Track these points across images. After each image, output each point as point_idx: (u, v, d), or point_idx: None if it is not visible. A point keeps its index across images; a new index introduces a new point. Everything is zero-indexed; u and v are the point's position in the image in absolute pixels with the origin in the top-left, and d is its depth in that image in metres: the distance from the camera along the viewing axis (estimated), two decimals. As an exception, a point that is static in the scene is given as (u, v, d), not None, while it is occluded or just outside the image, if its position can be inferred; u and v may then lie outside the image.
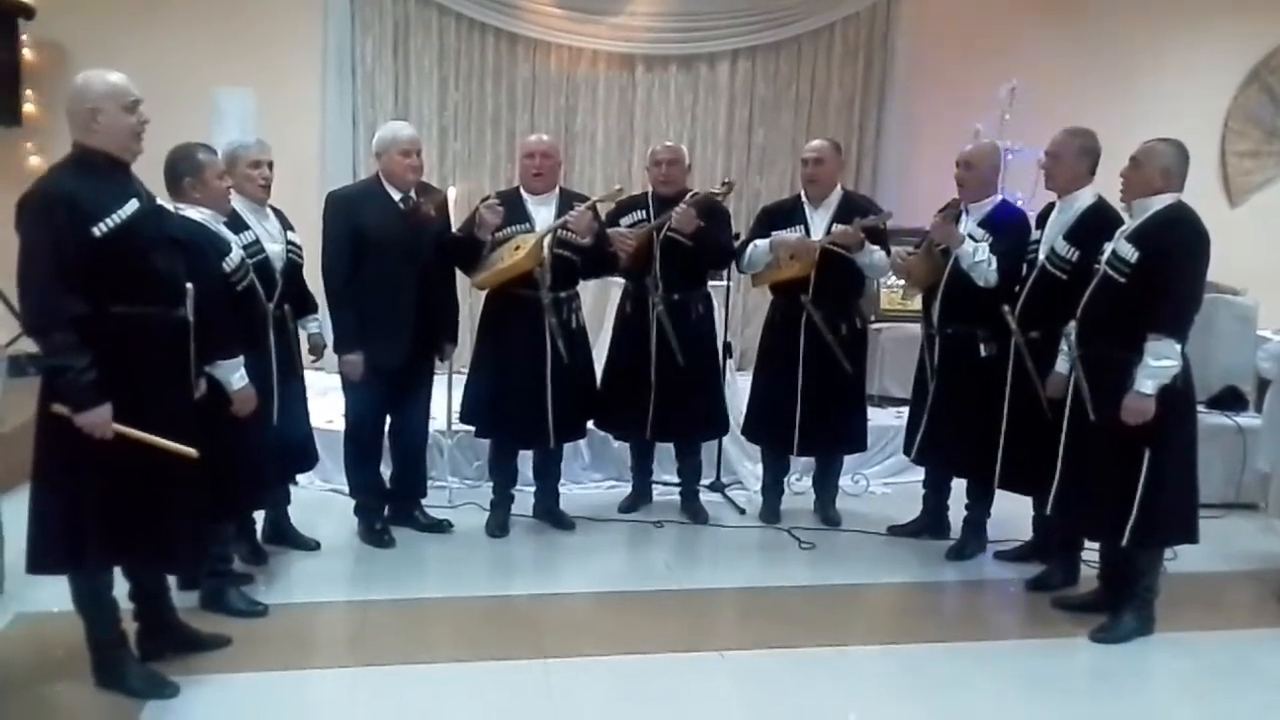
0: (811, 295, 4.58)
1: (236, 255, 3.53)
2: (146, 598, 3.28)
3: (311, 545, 4.35)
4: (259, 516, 4.24)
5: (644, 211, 4.71)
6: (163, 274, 3.00)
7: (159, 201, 3.12)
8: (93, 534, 2.93)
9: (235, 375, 3.37)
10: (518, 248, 4.31)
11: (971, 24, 7.01)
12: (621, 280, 4.87)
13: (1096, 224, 3.88)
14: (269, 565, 4.14)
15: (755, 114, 7.09)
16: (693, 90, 7.01)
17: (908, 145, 7.05)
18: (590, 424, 4.81)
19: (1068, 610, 4.00)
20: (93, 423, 2.84)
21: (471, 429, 4.77)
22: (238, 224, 3.74)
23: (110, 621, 3.10)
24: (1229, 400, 5.54)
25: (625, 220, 4.73)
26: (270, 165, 3.99)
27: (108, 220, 2.85)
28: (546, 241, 4.31)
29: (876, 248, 4.55)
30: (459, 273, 4.53)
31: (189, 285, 3.07)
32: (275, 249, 3.94)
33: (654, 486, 5.16)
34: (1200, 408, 3.95)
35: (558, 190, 4.52)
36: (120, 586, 3.17)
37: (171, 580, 3.49)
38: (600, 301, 5.49)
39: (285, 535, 4.35)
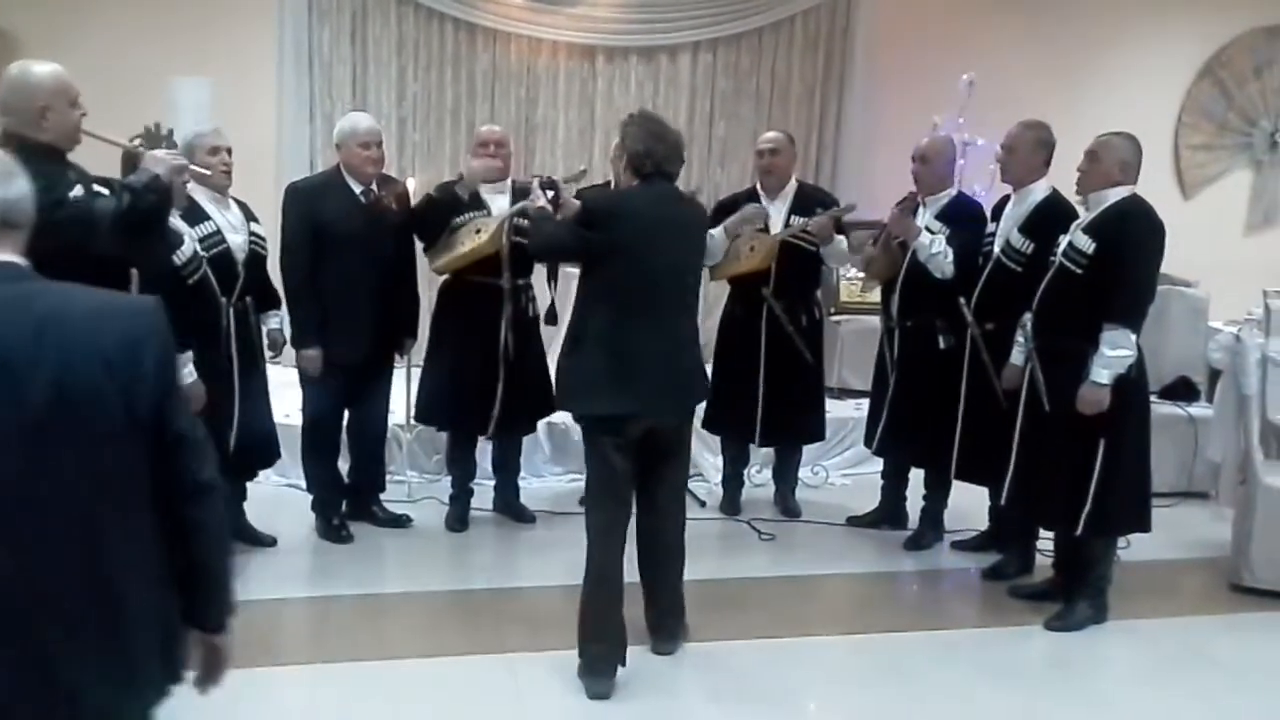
0: (773, 288, 4.59)
1: (189, 249, 3.48)
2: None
3: (268, 542, 4.31)
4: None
5: None
6: (105, 259, 2.93)
7: (96, 187, 3.06)
8: None
9: (184, 371, 3.32)
10: (478, 230, 4.28)
11: (930, 17, 7.04)
12: None
13: (1051, 217, 3.92)
14: (225, 562, 4.10)
15: (716, 106, 7.07)
16: (654, 82, 6.98)
17: (868, 137, 7.07)
18: (554, 415, 4.77)
19: (1023, 599, 4.05)
20: None
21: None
22: (197, 215, 3.69)
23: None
24: (1181, 391, 5.62)
25: None
26: (229, 151, 3.94)
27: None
28: (506, 226, 4.29)
29: (842, 236, 4.59)
30: (419, 266, 4.49)
31: (133, 270, 3.02)
32: (237, 240, 3.89)
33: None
34: (1152, 398, 4.01)
35: (510, 180, 4.48)
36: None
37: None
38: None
39: (241, 532, 4.27)
